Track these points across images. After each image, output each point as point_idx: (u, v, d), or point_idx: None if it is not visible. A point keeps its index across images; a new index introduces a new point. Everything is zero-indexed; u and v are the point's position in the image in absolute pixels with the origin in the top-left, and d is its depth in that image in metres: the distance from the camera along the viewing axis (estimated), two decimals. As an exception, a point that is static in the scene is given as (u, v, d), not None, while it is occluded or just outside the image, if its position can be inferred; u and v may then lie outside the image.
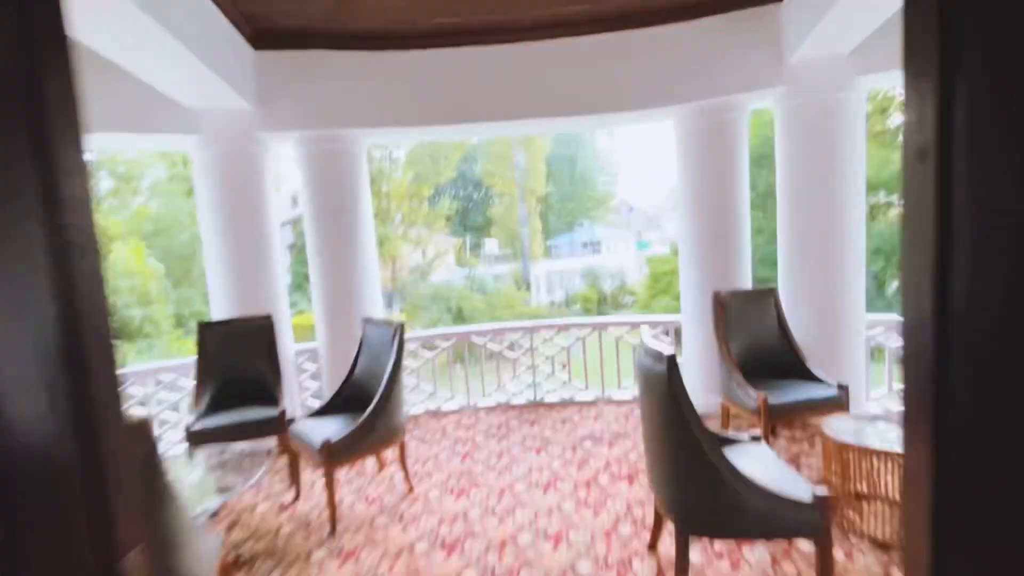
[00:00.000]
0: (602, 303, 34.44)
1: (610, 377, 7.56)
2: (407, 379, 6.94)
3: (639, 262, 56.58)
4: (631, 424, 6.14)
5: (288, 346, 6.45)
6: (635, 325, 7.52)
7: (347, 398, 4.87)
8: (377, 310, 6.79)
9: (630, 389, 7.33)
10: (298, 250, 35.99)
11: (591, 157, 60.81)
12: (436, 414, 7.13)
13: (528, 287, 36.36)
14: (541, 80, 6.25)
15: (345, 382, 5.00)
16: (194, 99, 5.46)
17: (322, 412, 4.81)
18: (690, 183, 6.45)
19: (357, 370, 5.02)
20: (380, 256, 31.17)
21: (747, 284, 6.69)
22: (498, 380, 7.50)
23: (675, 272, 23.47)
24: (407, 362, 6.81)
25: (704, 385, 6.22)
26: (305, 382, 6.94)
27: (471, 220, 62.74)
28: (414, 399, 7.23)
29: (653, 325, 7.25)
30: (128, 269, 13.37)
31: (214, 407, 5.11)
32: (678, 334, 6.86)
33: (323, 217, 6.52)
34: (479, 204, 63.13)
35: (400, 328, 4.69)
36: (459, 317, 22.95)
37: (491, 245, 44.90)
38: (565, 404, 7.19)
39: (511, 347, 7.48)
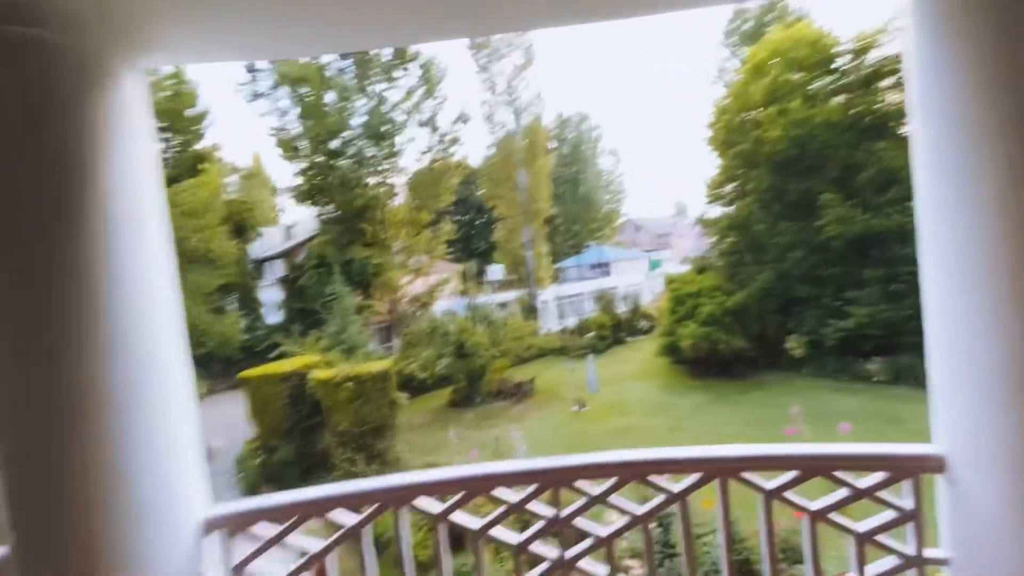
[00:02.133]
0: (617, 329, 31.90)
1: None
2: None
3: (653, 282, 54.30)
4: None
5: None
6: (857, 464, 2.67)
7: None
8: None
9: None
10: (289, 284, 33.96)
11: (595, 176, 59.26)
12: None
13: (536, 314, 33.91)
14: None
15: None
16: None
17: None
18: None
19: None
20: (377, 286, 28.79)
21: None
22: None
23: (702, 293, 20.52)
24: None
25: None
26: None
27: (474, 246, 60.97)
28: None
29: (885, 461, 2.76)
30: None
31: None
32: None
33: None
34: (481, 229, 61.55)
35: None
36: (460, 354, 20.56)
37: (495, 271, 42.81)
38: None
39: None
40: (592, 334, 30.17)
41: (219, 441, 19.66)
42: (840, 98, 19.77)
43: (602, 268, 49.14)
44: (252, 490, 13.44)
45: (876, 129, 19.02)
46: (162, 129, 28.91)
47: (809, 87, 19.74)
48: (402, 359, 21.22)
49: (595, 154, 59.74)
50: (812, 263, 19.73)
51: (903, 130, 18.85)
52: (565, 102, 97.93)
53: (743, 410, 17.44)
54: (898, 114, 18.89)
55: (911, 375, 17.25)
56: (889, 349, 17.97)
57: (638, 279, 51.26)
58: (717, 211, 24.89)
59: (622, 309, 34.50)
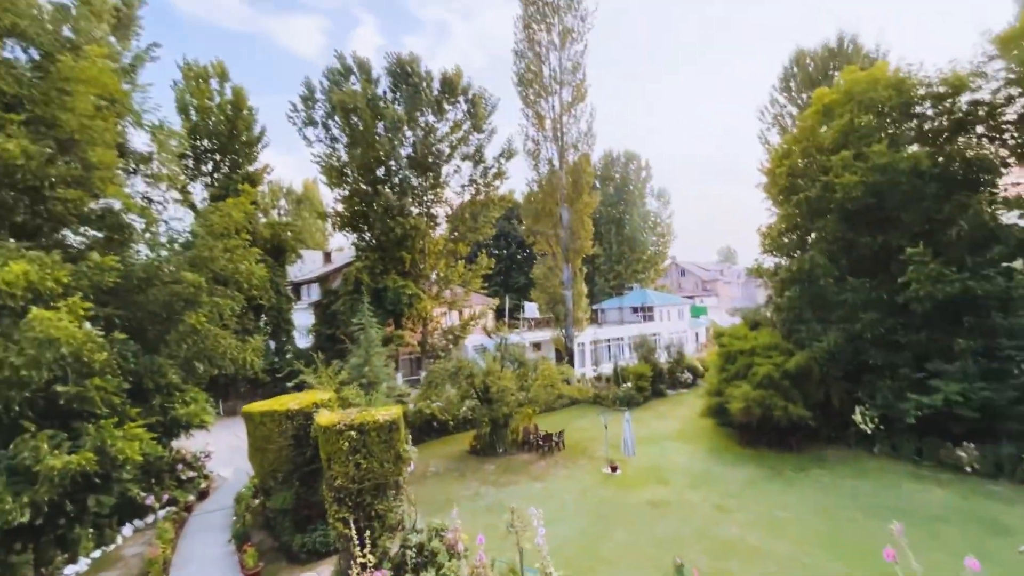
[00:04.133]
0: (658, 379, 29.64)
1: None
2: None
3: (696, 331, 51.40)
4: None
5: None
6: None
7: None
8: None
9: None
10: (322, 308, 33.71)
11: (640, 217, 57.57)
12: None
13: (571, 358, 32.11)
14: None
15: None
16: None
17: None
18: None
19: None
20: (410, 317, 27.98)
21: None
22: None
23: (757, 351, 18.39)
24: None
25: None
26: None
27: (511, 281, 60.09)
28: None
29: None
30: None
31: None
32: None
33: None
34: (520, 264, 60.72)
35: None
36: (484, 398, 19.08)
37: (531, 308, 41.42)
38: None
39: None
40: (629, 384, 28.09)
41: (227, 471, 18.82)
42: (918, 145, 17.82)
43: (644, 312, 46.90)
44: (242, 537, 12.24)
45: (968, 180, 16.85)
46: (214, 151, 29.80)
47: (889, 131, 17.85)
48: (423, 398, 19.97)
49: (642, 195, 58.33)
50: (888, 326, 17.33)
51: (1003, 183, 16.61)
52: (613, 141, 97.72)
53: (802, 492, 15.05)
54: (993, 165, 16.71)
55: (1015, 469, 14.50)
56: (986, 435, 15.26)
57: (682, 326, 48.62)
58: (772, 261, 22.85)
59: (663, 358, 32.26)
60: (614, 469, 17.20)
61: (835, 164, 18.15)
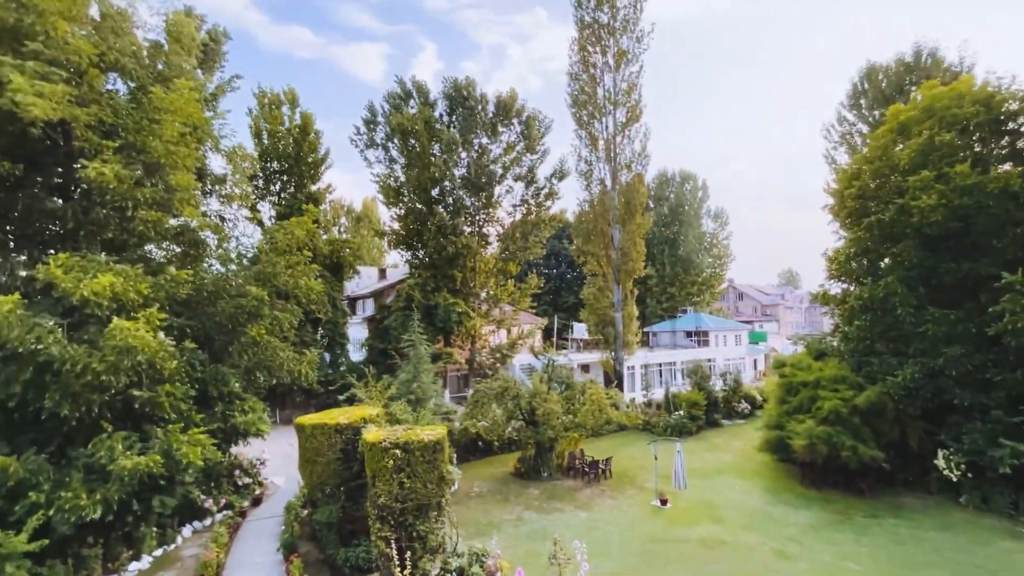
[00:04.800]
0: (712, 408, 28.26)
1: None
2: None
3: (754, 358, 48.86)
4: None
5: None
6: None
7: None
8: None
9: None
10: (376, 323, 34.69)
11: (696, 238, 55.81)
12: None
13: (620, 382, 31.26)
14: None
15: None
16: None
17: None
18: None
19: None
20: (459, 334, 28.29)
21: None
22: None
23: (822, 384, 17.05)
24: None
25: None
26: None
27: (560, 300, 59.64)
28: None
29: None
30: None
31: None
32: None
33: None
34: (571, 284, 60.23)
35: None
36: (530, 420, 18.81)
37: (580, 329, 40.82)
38: None
39: None
40: (682, 412, 26.93)
41: (280, 479, 19.49)
42: (1011, 164, 16.25)
43: (698, 336, 45.13)
44: (290, 547, 12.56)
45: (1070, 204, 15.17)
46: (282, 172, 31.70)
47: (975, 150, 16.43)
48: (469, 417, 19.95)
49: (697, 215, 56.66)
50: (977, 362, 15.69)
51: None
52: (668, 161, 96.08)
53: (876, 542, 13.72)
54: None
55: None
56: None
57: (739, 352, 46.36)
58: (840, 287, 21.38)
59: (719, 386, 30.77)
60: (664, 502, 16.41)
61: (912, 185, 16.87)
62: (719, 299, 64.91)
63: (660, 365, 38.25)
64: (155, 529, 13.25)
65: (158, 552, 13.23)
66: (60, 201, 13.48)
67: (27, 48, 11.41)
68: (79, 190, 13.48)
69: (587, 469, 19.17)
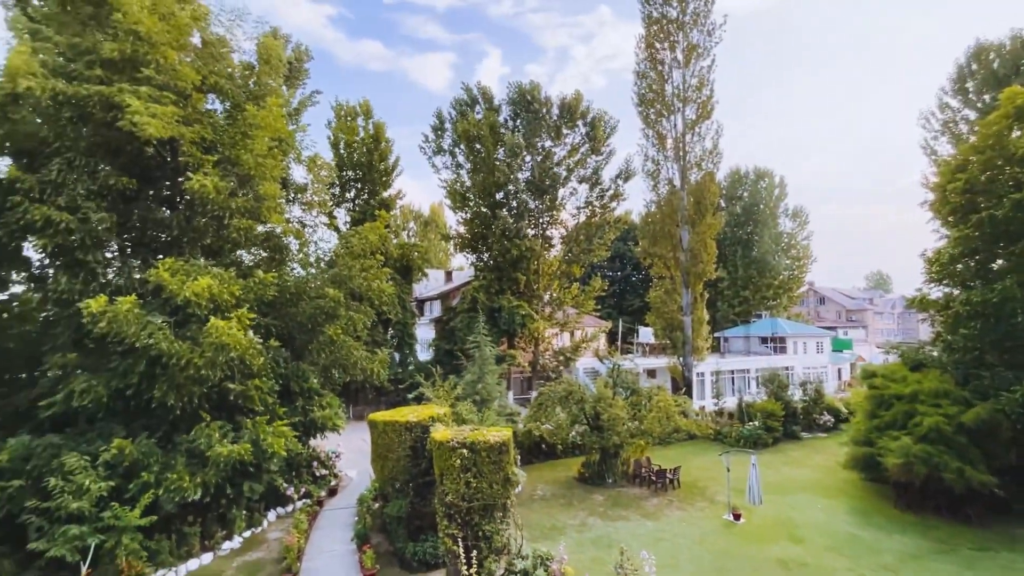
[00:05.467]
0: (790, 420, 26.53)
1: None
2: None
3: (838, 367, 45.27)
4: None
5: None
6: None
7: None
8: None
9: None
10: (442, 324, 35.64)
11: (772, 238, 52.51)
12: None
13: (688, 389, 30.10)
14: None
15: None
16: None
17: None
18: None
19: None
20: (522, 337, 28.50)
21: None
22: None
23: (921, 398, 15.46)
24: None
25: None
26: None
27: (625, 303, 58.23)
28: None
29: None
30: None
31: None
32: None
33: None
34: (636, 287, 58.70)
35: None
36: (595, 425, 18.51)
37: (646, 334, 39.72)
38: None
39: None
40: (756, 423, 25.48)
41: (353, 472, 20.49)
42: None
43: (774, 343, 42.51)
44: (363, 537, 13.18)
45: None
46: (357, 179, 33.39)
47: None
48: (532, 419, 19.99)
49: (774, 214, 53.36)
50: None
51: None
52: (742, 158, 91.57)
53: (986, 577, 12.28)
54: None
55: None
56: None
57: (821, 361, 43.13)
58: (941, 291, 19.32)
59: (797, 396, 28.81)
60: (737, 517, 15.60)
61: (1032, 178, 14.99)
62: (798, 303, 60.83)
63: (732, 372, 36.41)
64: (244, 512, 14.37)
65: (247, 533, 14.34)
66: (167, 211, 14.99)
67: (141, 75, 12.80)
68: (183, 201, 14.92)
69: (654, 478, 18.62)
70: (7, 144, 12.46)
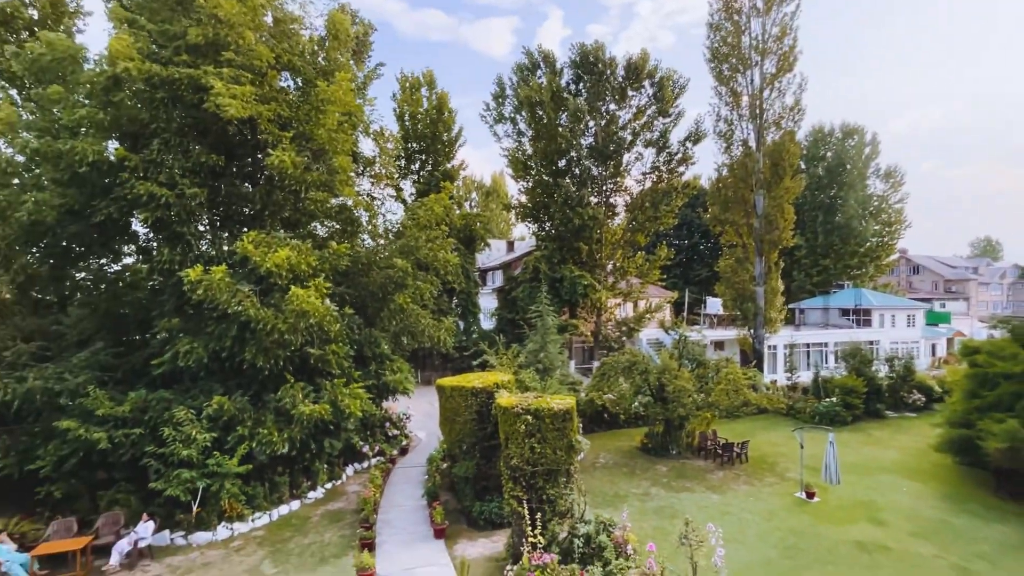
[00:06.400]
0: (874, 398, 24.82)
1: None
2: None
3: (933, 342, 41.52)
4: None
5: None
6: None
7: None
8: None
9: None
10: (504, 294, 36.07)
11: (859, 202, 48.07)
12: None
13: (759, 362, 28.78)
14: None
15: None
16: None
17: None
18: None
19: None
20: (584, 307, 28.31)
21: None
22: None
23: None
24: None
25: None
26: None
27: (693, 273, 56.01)
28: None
29: None
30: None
31: None
32: None
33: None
34: (704, 255, 56.16)
35: None
36: (659, 396, 18.23)
37: (714, 304, 38.15)
38: None
39: None
40: (834, 399, 24.05)
41: (422, 433, 21.58)
42: None
43: (857, 315, 39.54)
44: (432, 495, 13.96)
45: None
46: (421, 151, 33.88)
47: None
48: (595, 388, 20.00)
49: (863, 175, 48.71)
50: None
51: None
52: (826, 114, 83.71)
53: (1103, 576, 11.10)
54: None
55: None
56: None
57: (912, 335, 39.71)
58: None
59: (883, 372, 26.80)
60: (811, 495, 15.00)
61: None
62: (887, 272, 55.86)
63: (808, 345, 34.45)
64: (326, 466, 15.61)
65: (328, 485, 15.61)
66: (250, 187, 15.99)
67: (222, 57, 13.51)
68: (263, 176, 15.84)
69: (720, 451, 18.20)
70: (114, 127, 13.67)
